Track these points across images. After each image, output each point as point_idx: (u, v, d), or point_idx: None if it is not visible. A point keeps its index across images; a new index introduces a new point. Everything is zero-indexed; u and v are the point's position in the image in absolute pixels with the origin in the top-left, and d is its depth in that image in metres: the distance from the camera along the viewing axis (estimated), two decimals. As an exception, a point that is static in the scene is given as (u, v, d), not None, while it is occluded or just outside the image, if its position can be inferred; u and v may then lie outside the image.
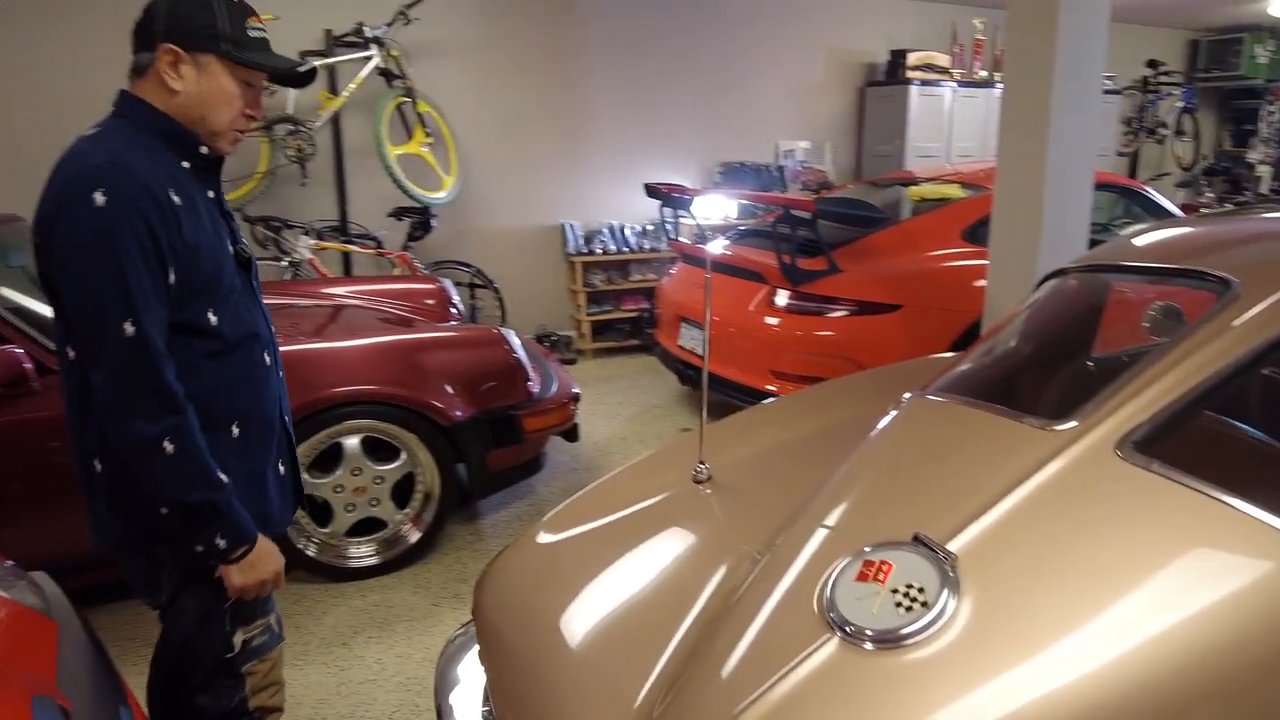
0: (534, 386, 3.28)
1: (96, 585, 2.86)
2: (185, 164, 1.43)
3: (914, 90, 6.89)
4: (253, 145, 4.97)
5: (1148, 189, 4.94)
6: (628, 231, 6.22)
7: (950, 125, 7.16)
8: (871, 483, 1.40)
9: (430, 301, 4.13)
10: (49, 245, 1.31)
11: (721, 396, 4.20)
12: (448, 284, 4.26)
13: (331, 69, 5.28)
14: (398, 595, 2.90)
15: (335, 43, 5.24)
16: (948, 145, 7.17)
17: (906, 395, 1.66)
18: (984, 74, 7.27)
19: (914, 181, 4.88)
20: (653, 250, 6.22)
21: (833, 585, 1.17)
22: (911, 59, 6.93)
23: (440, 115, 5.47)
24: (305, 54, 5.16)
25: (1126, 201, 4.97)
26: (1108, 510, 1.18)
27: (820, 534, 1.29)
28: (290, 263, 4.94)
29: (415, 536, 3.06)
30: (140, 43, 1.40)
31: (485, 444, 3.09)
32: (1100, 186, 3.90)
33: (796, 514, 1.42)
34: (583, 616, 1.40)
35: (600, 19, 6.06)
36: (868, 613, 1.11)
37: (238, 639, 1.55)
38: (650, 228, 6.31)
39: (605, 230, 6.16)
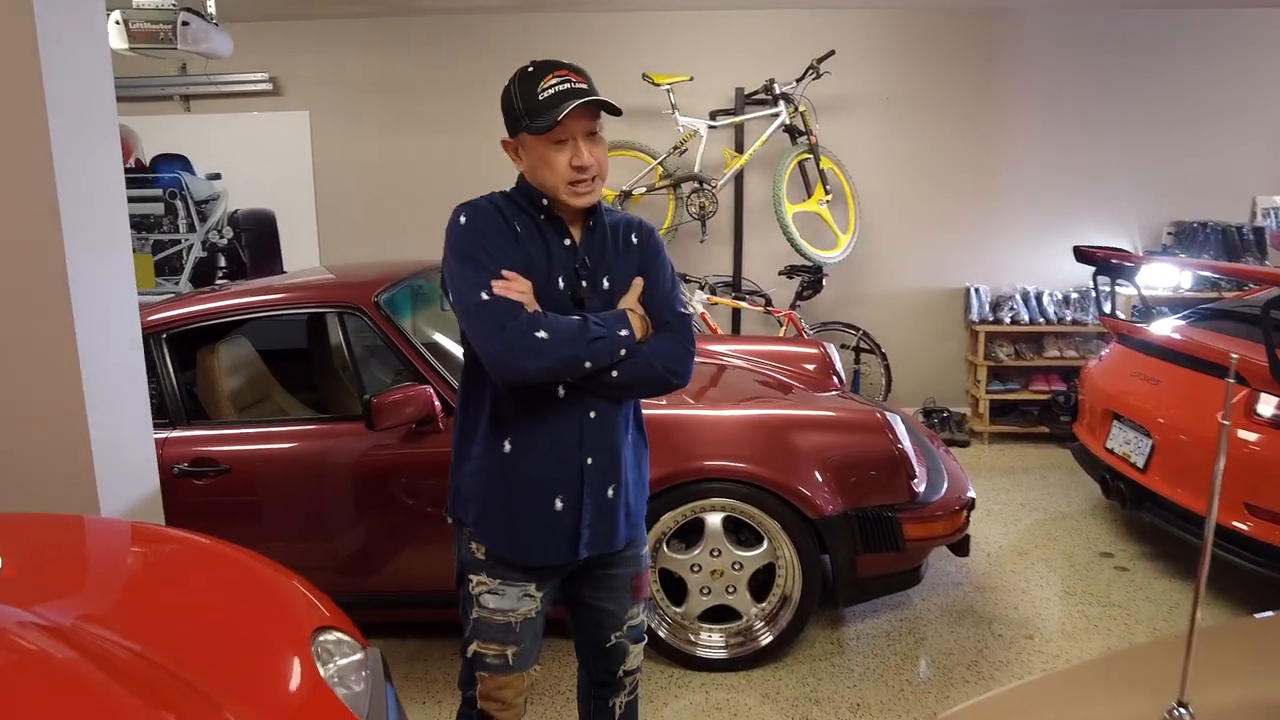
0: (918, 485, 2.84)
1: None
2: (542, 216, 1.64)
3: None
4: (660, 201, 5.19)
5: None
6: (1045, 299, 5.39)
7: None
8: None
9: (810, 367, 3.88)
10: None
11: (1163, 522, 3.33)
12: (831, 349, 3.98)
13: (739, 127, 5.33)
14: (743, 699, 2.65)
15: (746, 101, 5.29)
16: None
17: None
18: None
19: None
20: (1075, 323, 5.31)
21: None
22: None
23: (842, 171, 5.24)
24: (716, 113, 5.29)
25: None
26: None
27: None
28: (681, 315, 5.04)
29: (768, 638, 2.79)
30: None
31: (855, 546, 2.73)
32: None
33: None
34: None
35: (1028, 65, 5.37)
36: None
37: (471, 648, 1.74)
38: (1075, 295, 5.41)
39: (1017, 296, 5.39)
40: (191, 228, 5.47)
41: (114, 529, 1.70)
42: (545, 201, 1.63)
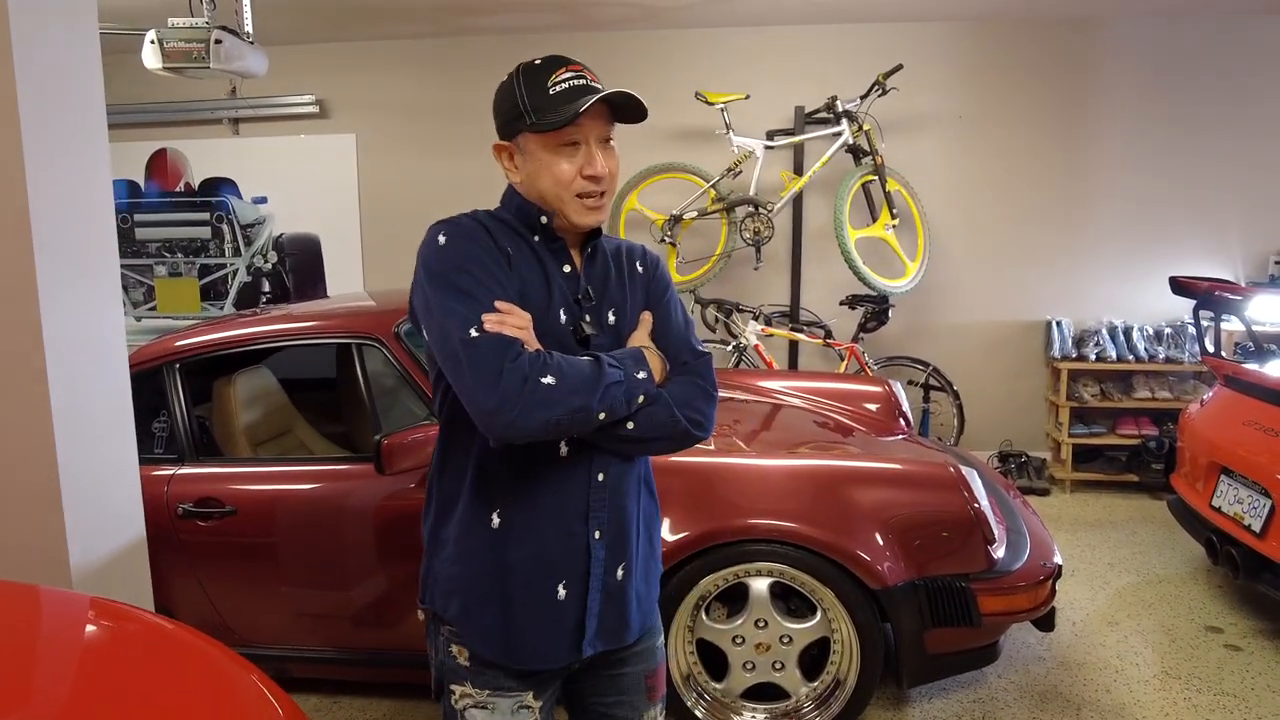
0: (997, 551, 2.47)
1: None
2: (538, 237, 1.38)
3: None
4: (712, 226, 4.92)
5: None
6: (1135, 334, 4.92)
7: None
8: None
9: (872, 406, 3.56)
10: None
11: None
12: (898, 388, 3.64)
13: (798, 148, 5.04)
14: (789, 795, 2.32)
15: (806, 120, 5.00)
16: None
17: None
18: None
19: None
20: (1169, 361, 4.84)
21: None
22: None
23: (910, 194, 4.89)
24: (773, 133, 5.01)
25: None
26: None
27: None
28: (735, 348, 4.75)
29: (818, 724, 2.46)
30: None
31: (923, 620, 2.38)
32: None
33: None
34: None
35: (1117, 80, 4.95)
36: None
37: None
38: (1168, 331, 4.93)
39: (1103, 331, 4.94)
40: (237, 252, 5.40)
41: (64, 607, 1.49)
42: (544, 219, 1.36)
